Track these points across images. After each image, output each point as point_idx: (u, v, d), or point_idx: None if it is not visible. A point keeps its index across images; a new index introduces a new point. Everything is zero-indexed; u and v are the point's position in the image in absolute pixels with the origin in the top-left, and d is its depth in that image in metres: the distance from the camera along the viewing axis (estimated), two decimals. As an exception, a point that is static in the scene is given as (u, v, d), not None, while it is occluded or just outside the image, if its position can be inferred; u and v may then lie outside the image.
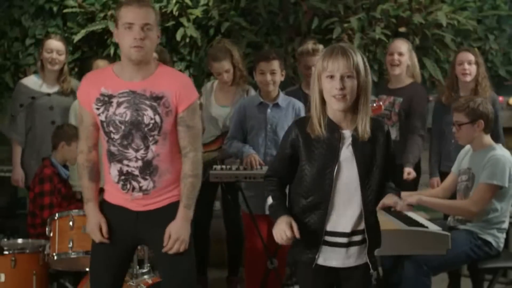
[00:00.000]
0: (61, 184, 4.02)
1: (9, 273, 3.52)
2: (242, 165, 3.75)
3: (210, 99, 4.35)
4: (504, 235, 3.59)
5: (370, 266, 2.49)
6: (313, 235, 2.46)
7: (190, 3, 5.14)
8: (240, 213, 4.15)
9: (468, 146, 3.71)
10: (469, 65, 4.18)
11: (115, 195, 2.74)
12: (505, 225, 3.58)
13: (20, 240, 3.81)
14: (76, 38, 5.13)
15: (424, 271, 3.37)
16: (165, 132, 2.66)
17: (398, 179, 2.72)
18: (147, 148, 2.64)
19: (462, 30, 5.25)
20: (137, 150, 2.64)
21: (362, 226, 2.46)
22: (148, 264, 3.55)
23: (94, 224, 2.73)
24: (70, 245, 3.43)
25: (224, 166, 3.81)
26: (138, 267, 3.48)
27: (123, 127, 2.63)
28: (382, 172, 2.47)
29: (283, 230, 2.37)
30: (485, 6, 5.35)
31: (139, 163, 2.65)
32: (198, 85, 5.14)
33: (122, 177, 2.68)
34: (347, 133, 2.45)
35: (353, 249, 2.48)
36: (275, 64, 3.80)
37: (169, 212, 2.72)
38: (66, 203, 4.00)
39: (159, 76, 2.67)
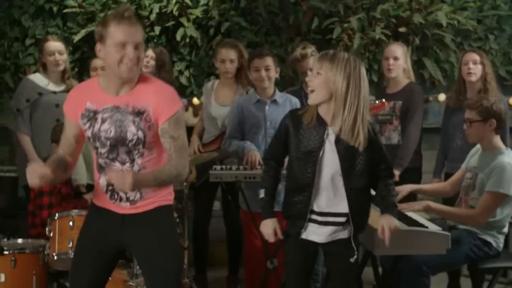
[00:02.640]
0: (62, 184, 4.01)
1: (9, 273, 3.51)
2: (243, 162, 3.74)
3: (210, 99, 4.35)
4: (504, 236, 3.59)
5: (354, 246, 2.80)
6: (299, 213, 2.80)
7: (190, 3, 5.15)
8: (240, 213, 4.15)
9: (479, 145, 3.70)
10: (474, 65, 4.18)
11: (103, 200, 2.74)
12: (505, 229, 3.57)
13: (20, 240, 3.80)
14: (76, 38, 5.13)
15: (423, 270, 3.37)
16: (150, 144, 2.65)
17: (390, 170, 2.91)
18: (132, 161, 2.65)
19: (462, 30, 5.25)
20: (123, 163, 2.65)
21: (345, 209, 2.77)
22: (140, 270, 3.54)
23: (39, 173, 2.54)
24: (70, 245, 3.43)
25: (224, 166, 3.81)
26: (138, 267, 3.48)
27: (108, 142, 2.64)
28: (367, 162, 2.76)
29: (268, 234, 2.85)
30: (485, 6, 5.35)
31: None
32: (198, 85, 5.16)
33: (110, 188, 2.68)
34: (331, 130, 2.74)
35: (336, 228, 2.80)
36: (269, 60, 3.81)
37: (156, 215, 2.71)
38: (66, 203, 3.99)
39: (141, 89, 2.64)
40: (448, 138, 4.34)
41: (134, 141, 2.62)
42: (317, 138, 2.75)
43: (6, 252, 3.54)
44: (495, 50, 5.31)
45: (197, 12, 5.14)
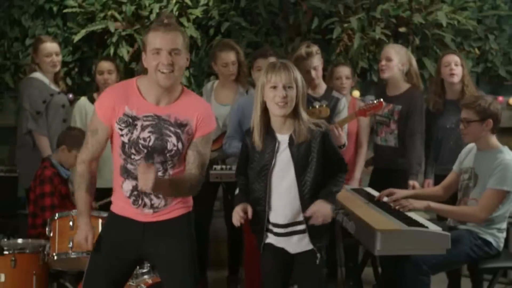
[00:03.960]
0: (62, 184, 4.01)
1: (9, 273, 3.52)
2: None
3: (210, 99, 4.35)
4: (504, 235, 3.59)
5: (316, 250, 2.84)
6: (259, 224, 2.88)
7: (190, 3, 5.15)
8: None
9: (470, 145, 3.70)
10: (455, 66, 4.22)
11: (123, 208, 2.72)
12: (505, 226, 3.58)
13: (20, 240, 3.80)
14: (76, 38, 5.12)
15: (423, 270, 3.37)
16: (183, 156, 2.69)
17: (344, 167, 2.93)
18: (165, 171, 2.67)
19: (462, 30, 5.25)
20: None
21: (301, 217, 2.82)
22: (148, 264, 3.55)
23: (83, 238, 2.74)
24: (70, 245, 3.42)
25: (224, 166, 3.81)
26: (138, 267, 3.47)
27: (145, 150, 2.63)
28: (319, 167, 2.80)
29: (237, 212, 2.81)
30: (485, 6, 5.35)
31: None
32: (198, 85, 5.16)
33: (135, 193, 2.67)
34: (284, 138, 2.80)
35: (296, 237, 2.85)
36: (272, 60, 3.81)
37: (178, 223, 2.72)
38: (67, 203, 4.00)
39: (184, 102, 2.67)
40: (436, 141, 4.36)
41: (173, 152, 2.64)
42: (268, 152, 2.80)
43: (6, 252, 3.54)
44: (495, 50, 5.31)
45: (197, 12, 5.14)
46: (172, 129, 2.63)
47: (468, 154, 3.70)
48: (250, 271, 3.96)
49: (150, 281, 3.46)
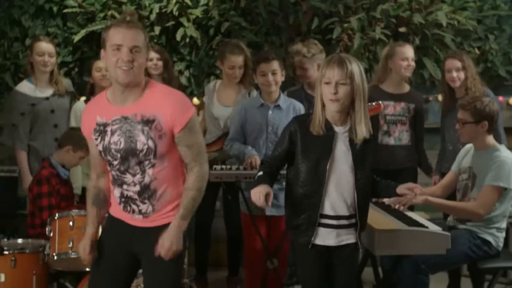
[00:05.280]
0: (60, 185, 4.01)
1: (9, 273, 3.52)
2: (243, 165, 3.75)
3: (213, 99, 4.35)
4: (503, 235, 3.59)
5: (360, 245, 2.85)
6: (309, 219, 2.80)
7: (190, 3, 5.15)
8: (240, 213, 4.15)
9: (469, 145, 3.72)
10: (457, 72, 4.21)
11: (117, 211, 2.75)
12: (504, 225, 3.58)
13: (20, 240, 3.81)
14: (76, 38, 5.13)
15: (422, 269, 3.37)
16: (162, 155, 2.62)
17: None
18: (143, 172, 2.62)
19: (462, 30, 5.24)
20: (134, 175, 2.63)
21: (353, 211, 2.81)
22: (142, 277, 3.54)
23: (81, 248, 2.77)
24: (70, 245, 3.43)
25: (224, 166, 3.81)
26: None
27: (119, 154, 2.62)
28: (371, 165, 2.84)
29: (261, 192, 2.69)
30: (485, 6, 5.34)
31: (137, 187, 2.64)
32: (198, 85, 5.16)
33: (123, 200, 2.68)
34: (341, 130, 2.79)
35: (345, 231, 2.82)
36: (275, 64, 3.81)
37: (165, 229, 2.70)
38: (66, 203, 3.99)
39: (150, 97, 2.61)
40: (443, 139, 4.38)
41: (145, 151, 2.59)
42: (326, 144, 2.76)
43: (6, 252, 3.54)
44: (495, 50, 5.30)
45: (197, 12, 5.14)
46: (139, 127, 2.58)
47: (466, 154, 3.71)
48: (250, 271, 3.97)
49: (150, 281, 3.46)
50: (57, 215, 3.55)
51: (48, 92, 4.45)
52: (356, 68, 2.72)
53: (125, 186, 2.66)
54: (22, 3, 5.29)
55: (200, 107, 4.52)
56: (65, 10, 5.22)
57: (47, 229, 3.54)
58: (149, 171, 2.62)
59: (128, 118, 2.60)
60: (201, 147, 2.68)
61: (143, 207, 2.66)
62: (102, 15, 5.15)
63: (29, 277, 3.54)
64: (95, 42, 5.27)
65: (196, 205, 2.67)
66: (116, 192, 2.70)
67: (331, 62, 2.73)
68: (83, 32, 5.14)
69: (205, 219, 4.42)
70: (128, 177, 2.64)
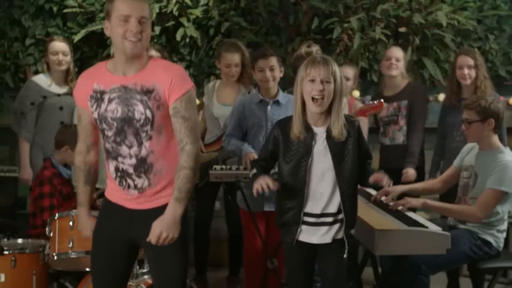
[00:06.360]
0: (62, 184, 4.01)
1: (9, 273, 3.52)
2: (242, 164, 3.75)
3: (212, 99, 4.35)
4: (504, 235, 3.59)
5: (346, 242, 2.86)
6: (293, 218, 2.88)
7: (190, 3, 5.15)
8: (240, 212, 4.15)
9: (473, 143, 3.70)
10: (468, 70, 4.18)
11: (114, 193, 2.71)
12: (505, 227, 3.58)
13: (20, 240, 3.81)
14: (76, 38, 5.13)
15: (422, 270, 3.37)
16: (159, 127, 2.58)
17: (370, 153, 3.00)
18: (140, 144, 2.58)
19: (462, 30, 5.25)
20: (130, 147, 2.59)
21: (339, 208, 2.85)
22: (148, 264, 3.55)
23: (90, 229, 2.75)
24: (70, 245, 3.42)
25: (224, 166, 3.80)
26: (138, 267, 3.48)
27: (115, 123, 2.59)
28: (355, 160, 2.85)
29: (265, 182, 2.81)
30: (485, 6, 5.34)
31: (133, 160, 2.60)
32: (198, 85, 5.16)
33: (119, 174, 2.64)
34: (321, 130, 2.85)
35: (329, 228, 2.87)
36: (273, 60, 3.82)
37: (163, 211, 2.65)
38: (68, 203, 3.99)
39: (151, 69, 2.60)
40: (444, 138, 4.35)
41: (142, 121, 2.56)
42: (305, 145, 2.84)
43: (6, 252, 3.54)
44: (495, 50, 5.30)
45: (197, 12, 5.14)
46: (138, 97, 2.56)
47: (470, 152, 3.70)
48: (250, 271, 3.96)
49: (150, 281, 3.45)
50: (57, 215, 3.54)
51: (62, 90, 4.47)
52: (337, 69, 2.83)
53: (120, 159, 2.61)
54: (22, 3, 5.29)
55: (200, 107, 4.52)
56: (65, 10, 5.22)
57: (47, 229, 3.54)
58: (146, 144, 2.58)
59: (128, 87, 2.58)
60: (196, 124, 2.63)
61: (139, 182, 2.62)
62: (102, 15, 5.14)
63: (29, 277, 3.54)
64: (95, 42, 5.27)
65: (190, 187, 2.59)
66: (110, 166, 2.65)
67: (316, 61, 2.82)
68: (83, 32, 5.14)
69: (204, 219, 4.42)
70: (124, 149, 2.60)
